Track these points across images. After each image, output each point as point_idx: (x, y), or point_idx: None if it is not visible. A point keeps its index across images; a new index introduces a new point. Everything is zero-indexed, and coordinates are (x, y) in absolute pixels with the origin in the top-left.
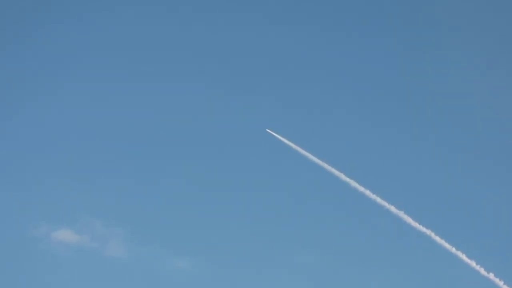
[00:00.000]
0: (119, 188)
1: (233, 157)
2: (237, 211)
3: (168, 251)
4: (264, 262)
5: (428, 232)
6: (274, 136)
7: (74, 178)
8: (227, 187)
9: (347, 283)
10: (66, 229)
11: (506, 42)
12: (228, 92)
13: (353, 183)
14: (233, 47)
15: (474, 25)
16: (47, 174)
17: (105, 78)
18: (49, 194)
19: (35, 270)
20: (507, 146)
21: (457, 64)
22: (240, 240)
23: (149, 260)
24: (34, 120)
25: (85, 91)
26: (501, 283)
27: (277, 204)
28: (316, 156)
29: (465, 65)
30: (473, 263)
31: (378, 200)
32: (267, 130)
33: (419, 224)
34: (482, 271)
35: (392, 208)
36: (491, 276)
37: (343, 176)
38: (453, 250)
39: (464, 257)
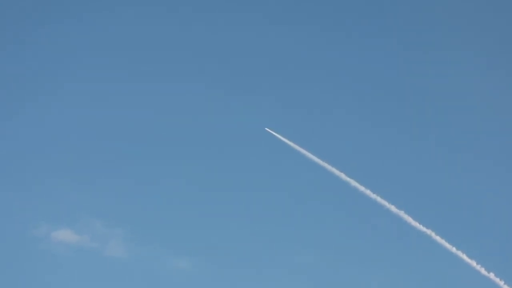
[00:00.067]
0: (119, 188)
1: (233, 157)
2: (237, 211)
3: (168, 251)
4: (264, 262)
5: (428, 232)
6: (274, 135)
7: (74, 178)
8: (227, 187)
9: (348, 283)
10: (66, 229)
11: (506, 42)
12: (228, 92)
13: (354, 183)
14: (233, 47)
15: (474, 25)
16: (47, 174)
17: (105, 78)
18: (49, 194)
19: (35, 270)
20: (507, 146)
21: (457, 64)
22: (240, 240)
23: (149, 260)
24: (34, 120)
25: (85, 91)
26: (501, 283)
27: (277, 204)
28: (317, 156)
29: (465, 65)
30: (473, 263)
31: (378, 199)
32: (266, 129)
33: (420, 223)
34: (483, 271)
35: (393, 208)
36: (492, 276)
37: (343, 176)
38: (454, 250)
39: (464, 256)
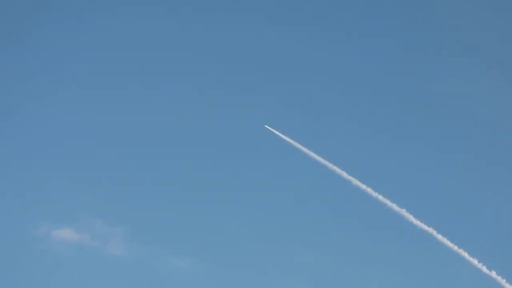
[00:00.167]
0: (119, 187)
1: (233, 157)
2: (237, 211)
3: (168, 251)
4: (265, 262)
5: (430, 230)
6: (274, 133)
7: (74, 178)
8: (227, 187)
9: (349, 282)
10: (66, 228)
11: (506, 42)
12: (228, 92)
13: (355, 181)
14: (233, 47)
15: (474, 25)
16: (48, 173)
17: (105, 78)
18: (50, 194)
19: (36, 269)
20: (509, 144)
21: (457, 64)
22: (241, 239)
23: (150, 259)
24: (34, 120)
25: (85, 91)
26: (503, 281)
27: (277, 203)
28: (318, 154)
29: (465, 65)
30: (475, 261)
31: (380, 198)
32: (265, 126)
33: (421, 222)
34: (484, 269)
35: (394, 207)
36: (493, 274)
37: (344, 174)
38: (455, 248)
39: (466, 255)
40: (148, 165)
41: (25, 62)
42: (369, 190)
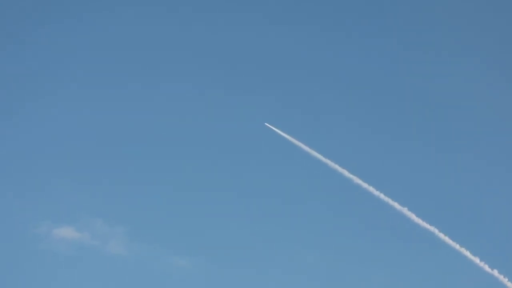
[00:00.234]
0: (119, 187)
1: (233, 157)
2: (237, 210)
3: (169, 250)
4: (266, 262)
5: (432, 228)
6: (274, 132)
7: (74, 178)
8: (227, 187)
9: (351, 281)
10: (67, 227)
11: (506, 42)
12: (228, 92)
13: (357, 180)
14: (233, 47)
15: (474, 25)
16: (48, 174)
17: (105, 78)
18: (50, 193)
19: (36, 268)
20: (510, 144)
21: (457, 64)
22: (241, 239)
23: (150, 258)
24: (34, 120)
25: (85, 91)
26: (505, 280)
27: (279, 202)
28: (319, 153)
29: (465, 65)
30: (477, 260)
31: (382, 196)
32: (265, 124)
33: (423, 220)
34: (486, 267)
35: (396, 205)
36: (495, 272)
37: (346, 173)
38: (457, 246)
39: (468, 253)
40: (148, 165)
41: (25, 62)
42: (371, 189)
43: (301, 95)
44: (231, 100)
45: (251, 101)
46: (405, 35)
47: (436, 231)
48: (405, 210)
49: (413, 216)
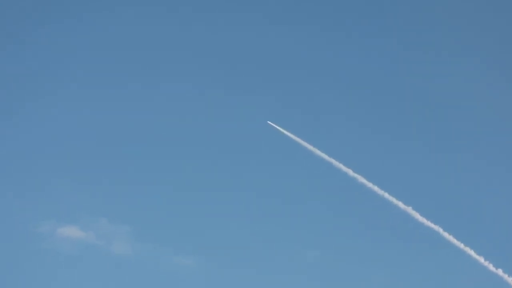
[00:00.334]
0: (121, 187)
1: (235, 157)
2: (241, 210)
3: (173, 250)
4: (270, 261)
5: (436, 228)
6: (276, 131)
7: (74, 178)
8: (230, 186)
9: (355, 280)
10: (71, 227)
11: (506, 42)
12: (228, 92)
13: (361, 179)
14: (233, 47)
15: (474, 25)
16: (48, 174)
17: (105, 78)
18: (51, 193)
19: (41, 267)
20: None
21: (457, 64)
22: (244, 238)
23: (154, 258)
24: (34, 120)
25: (85, 91)
26: (509, 279)
27: (282, 202)
28: (323, 151)
29: (465, 65)
30: (481, 259)
31: (386, 196)
32: (268, 122)
33: (427, 220)
34: (491, 267)
35: (400, 204)
36: (500, 272)
37: (350, 172)
38: (462, 246)
39: (472, 253)
40: (149, 165)
41: (25, 62)
42: (375, 188)
43: (302, 95)
44: (232, 100)
45: (251, 101)
46: (405, 35)
47: (440, 230)
48: (409, 210)
49: (417, 216)
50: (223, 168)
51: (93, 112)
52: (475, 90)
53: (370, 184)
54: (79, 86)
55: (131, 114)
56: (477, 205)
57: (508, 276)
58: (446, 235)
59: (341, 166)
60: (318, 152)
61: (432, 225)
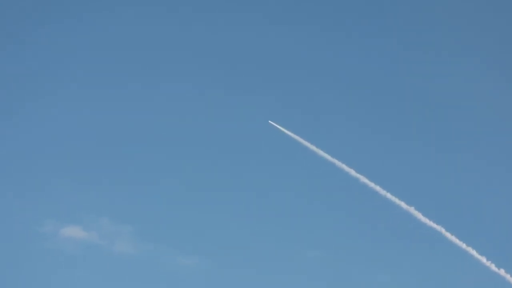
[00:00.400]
0: (122, 187)
1: (237, 157)
2: (243, 210)
3: (175, 249)
4: (272, 261)
5: (438, 228)
6: (277, 130)
7: (74, 178)
8: (232, 186)
9: (357, 281)
10: (74, 227)
11: (506, 42)
12: (228, 92)
13: (363, 179)
14: (233, 47)
15: (474, 25)
16: (49, 173)
17: (105, 78)
18: (51, 193)
19: (44, 267)
20: None
21: (457, 64)
22: (247, 238)
23: (157, 257)
24: (34, 120)
25: (85, 91)
26: None
27: (285, 202)
28: (326, 152)
29: (465, 65)
30: (483, 259)
31: (388, 195)
32: (269, 121)
33: (430, 220)
34: (493, 267)
35: (403, 204)
36: (502, 272)
37: (353, 172)
38: (464, 246)
39: (474, 253)
40: (150, 165)
41: (25, 62)
42: (377, 188)
43: (302, 94)
44: (232, 100)
45: (251, 101)
46: (405, 35)
47: (442, 230)
48: (411, 210)
49: (419, 216)
50: (225, 168)
51: (93, 112)
52: (475, 90)
53: (372, 184)
54: (79, 86)
55: (132, 114)
56: (479, 205)
57: (510, 276)
58: (448, 235)
59: (343, 166)
60: (319, 152)
61: (434, 225)
